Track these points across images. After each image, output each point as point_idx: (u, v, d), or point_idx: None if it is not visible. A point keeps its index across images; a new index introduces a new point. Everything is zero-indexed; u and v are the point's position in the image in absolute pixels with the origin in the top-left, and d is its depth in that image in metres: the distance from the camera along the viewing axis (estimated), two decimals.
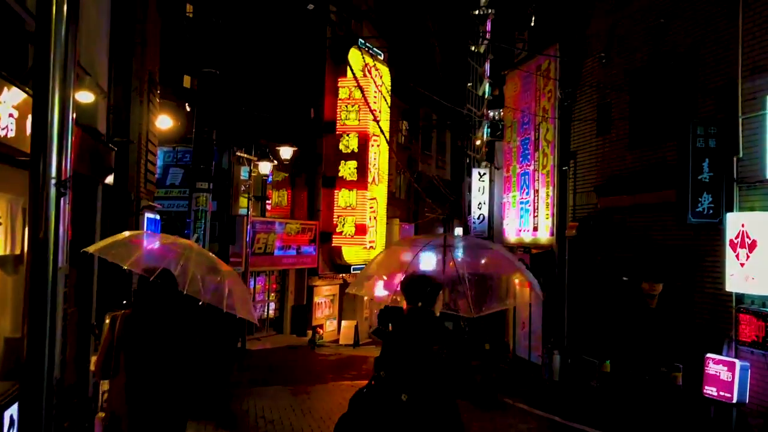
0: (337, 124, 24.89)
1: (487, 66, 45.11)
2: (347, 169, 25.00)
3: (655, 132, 10.78)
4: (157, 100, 12.39)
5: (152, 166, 11.89)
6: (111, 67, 9.26)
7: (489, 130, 23.05)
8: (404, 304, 3.93)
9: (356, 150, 24.88)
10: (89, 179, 7.24)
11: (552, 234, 13.68)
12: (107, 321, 5.83)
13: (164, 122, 13.73)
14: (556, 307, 13.46)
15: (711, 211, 8.73)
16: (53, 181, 3.01)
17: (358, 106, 24.83)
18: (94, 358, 6.21)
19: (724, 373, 8.02)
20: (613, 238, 11.64)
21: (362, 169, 25.03)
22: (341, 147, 24.93)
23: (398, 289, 4.11)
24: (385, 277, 4.57)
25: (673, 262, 10.02)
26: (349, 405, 3.81)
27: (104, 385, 6.12)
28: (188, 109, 12.02)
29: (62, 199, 3.06)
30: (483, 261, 4.43)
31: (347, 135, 24.88)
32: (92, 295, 7.70)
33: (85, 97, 5.83)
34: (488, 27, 47.21)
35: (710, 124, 8.81)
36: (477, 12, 46.11)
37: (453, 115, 36.85)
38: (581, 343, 12.66)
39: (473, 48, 49.76)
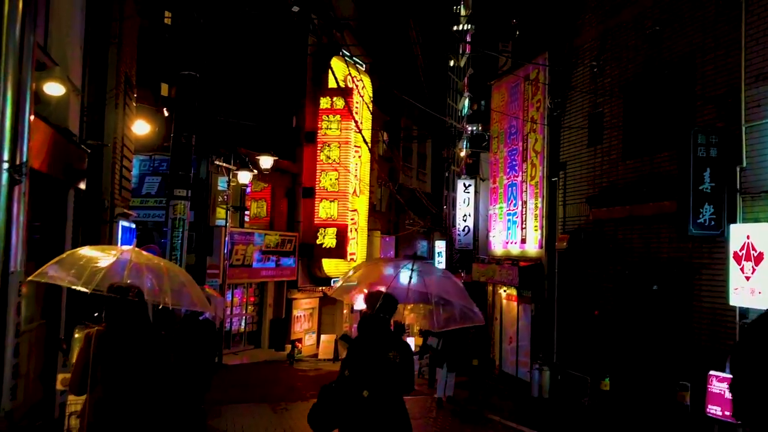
0: (318, 134, 24.45)
1: (467, 80, 45.13)
2: (328, 180, 24.55)
3: (650, 141, 10.52)
4: (134, 104, 11.89)
5: (128, 173, 11.36)
6: (85, 64, 8.76)
7: (468, 143, 22.82)
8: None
9: (337, 161, 24.45)
10: (60, 183, 6.72)
11: (541, 246, 13.35)
12: (76, 335, 5.36)
13: (141, 127, 13.18)
14: (545, 322, 13.11)
15: (713, 223, 8.44)
16: (5, 165, 2.52)
17: (340, 117, 24.44)
18: (61, 376, 5.67)
19: (729, 392, 7.66)
20: (605, 251, 11.33)
21: (343, 180, 24.59)
22: (322, 157, 24.49)
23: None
24: (365, 290, 4.96)
25: (669, 276, 9.72)
26: (318, 397, 4.49)
27: (72, 406, 5.61)
28: (166, 114, 11.51)
29: (17, 188, 2.57)
30: (445, 286, 5.08)
31: (328, 145, 24.45)
32: (61, 307, 7.15)
33: (54, 89, 5.35)
34: (468, 40, 47.35)
35: (711, 132, 8.54)
36: (457, 28, 46.18)
37: (434, 127, 36.69)
38: (571, 359, 12.31)
39: (452, 63, 49.82)
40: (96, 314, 6.37)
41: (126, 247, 4.71)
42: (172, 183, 10.54)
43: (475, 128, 25.38)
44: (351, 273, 5.44)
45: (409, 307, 5.48)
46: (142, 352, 4.28)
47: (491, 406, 12.79)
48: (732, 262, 7.94)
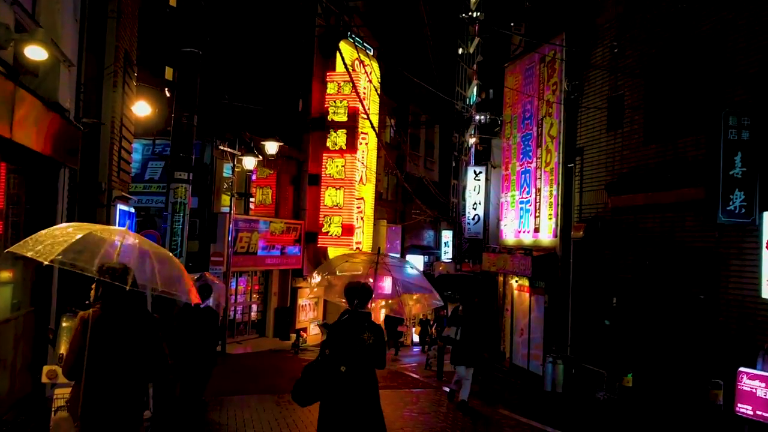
0: (325, 120, 23.96)
1: (476, 67, 44.41)
2: (335, 167, 24.09)
3: (675, 125, 10.00)
4: (134, 84, 11.42)
5: (127, 155, 10.91)
6: (82, 39, 8.31)
7: (477, 129, 22.25)
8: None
9: (344, 147, 23.97)
10: (50, 161, 6.28)
11: (555, 235, 12.87)
12: (64, 324, 4.97)
13: (142, 109, 12.72)
14: (559, 314, 12.64)
15: (743, 210, 7.94)
16: None
17: (347, 102, 23.94)
18: (47, 368, 5.25)
19: (761, 390, 7.21)
20: (624, 240, 10.84)
21: (350, 168, 24.12)
22: (329, 144, 24.01)
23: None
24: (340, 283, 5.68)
25: (694, 266, 9.24)
26: (302, 373, 5.10)
27: (58, 401, 5.18)
28: (168, 95, 11.05)
29: None
30: (413, 279, 6.22)
31: (335, 131, 23.96)
32: (51, 293, 6.73)
33: (36, 53, 4.89)
34: (476, 30, 46.61)
35: (744, 113, 8.03)
36: (467, 15, 45.42)
37: (443, 115, 36.15)
38: (587, 352, 11.85)
39: (460, 50, 49.07)
40: (87, 302, 5.93)
41: (116, 228, 4.28)
42: (173, 165, 10.11)
43: (483, 117, 24.79)
44: (322, 272, 6.32)
45: (414, 297, 6.66)
46: (139, 337, 4.07)
47: (502, 400, 12.36)
48: (765, 252, 7.46)
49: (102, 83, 9.24)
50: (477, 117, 33.06)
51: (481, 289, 12.60)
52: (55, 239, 3.82)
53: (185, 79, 10.13)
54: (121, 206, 10.02)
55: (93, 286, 4.14)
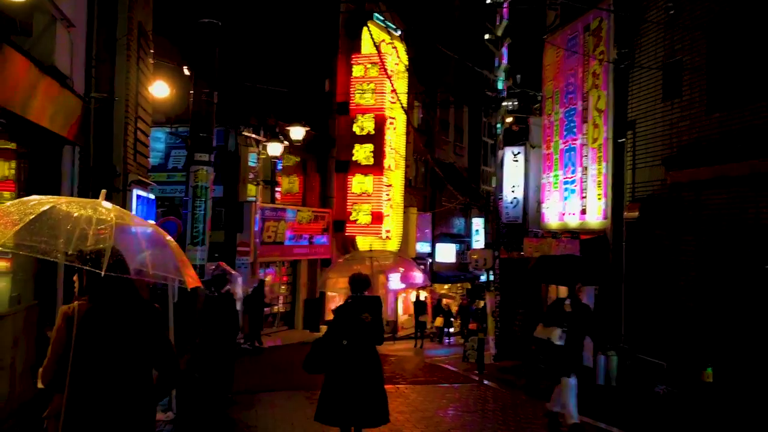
0: (351, 104, 23.12)
1: (505, 50, 43.33)
2: (362, 153, 23.26)
3: (743, 90, 8.99)
4: (150, 61, 10.69)
5: (144, 137, 10.19)
6: (92, 6, 7.58)
7: (513, 107, 21.15)
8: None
9: (372, 132, 23.12)
10: (49, 135, 5.52)
11: (605, 217, 11.90)
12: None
13: (161, 89, 12.06)
14: (611, 301, 11.69)
15: None
16: None
17: (374, 85, 23.07)
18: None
19: None
20: (686, 219, 9.86)
21: (378, 153, 23.27)
22: (356, 129, 23.18)
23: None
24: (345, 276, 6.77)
25: None
26: (311, 346, 6.09)
27: None
28: (188, 73, 10.31)
29: None
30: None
31: (362, 116, 23.12)
32: (56, 285, 5.99)
33: None
34: (505, 12, 45.41)
35: None
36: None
37: (471, 97, 35.07)
38: (643, 343, 10.90)
39: (486, 36, 47.94)
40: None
41: (86, 200, 3.44)
42: (193, 146, 9.35)
43: (510, 104, 23.71)
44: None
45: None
46: (139, 334, 3.30)
47: (547, 392, 11.50)
48: None
49: (114, 58, 8.50)
50: (504, 103, 31.99)
51: (594, 272, 10.11)
52: (9, 216, 3.00)
53: (204, 53, 9.36)
54: (138, 191, 9.31)
55: (75, 275, 3.37)
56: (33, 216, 3.08)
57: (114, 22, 8.35)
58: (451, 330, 26.47)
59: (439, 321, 26.18)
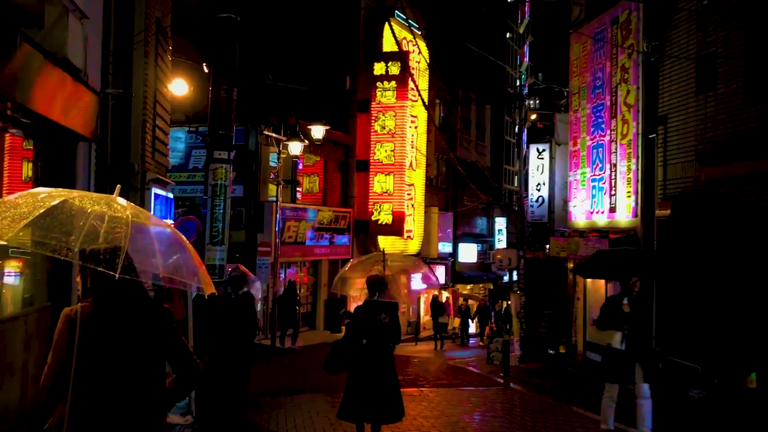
0: (372, 102, 22.89)
1: (526, 49, 42.89)
2: (383, 152, 23.03)
3: None
4: (169, 58, 10.53)
5: (163, 135, 10.03)
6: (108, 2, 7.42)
7: (537, 103, 20.81)
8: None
9: (393, 130, 22.88)
10: (61, 129, 5.33)
11: (635, 215, 11.52)
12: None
13: (180, 87, 11.93)
14: (642, 302, 11.27)
15: None
16: None
17: (395, 83, 22.81)
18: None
19: None
20: (722, 217, 9.47)
21: (400, 152, 23.02)
22: (377, 127, 22.95)
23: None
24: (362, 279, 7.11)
25: None
26: (331, 347, 6.47)
27: None
28: (207, 70, 10.16)
29: None
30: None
31: (383, 114, 22.88)
32: (71, 286, 5.81)
33: None
34: (526, 9, 44.99)
35: None
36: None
37: (493, 95, 34.68)
38: (676, 345, 10.51)
39: (507, 35, 47.51)
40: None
41: (99, 195, 3.21)
42: (211, 144, 9.15)
43: (532, 102, 23.41)
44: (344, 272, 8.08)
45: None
46: (149, 338, 3.09)
47: (578, 397, 11.15)
48: None
49: (132, 53, 8.33)
50: (528, 101, 31.60)
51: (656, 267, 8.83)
52: (17, 209, 2.78)
53: (222, 47, 9.17)
54: (156, 190, 9.14)
55: (78, 275, 3.16)
56: (43, 210, 2.89)
57: (131, 17, 8.18)
58: (471, 331, 26.14)
59: (456, 322, 25.95)
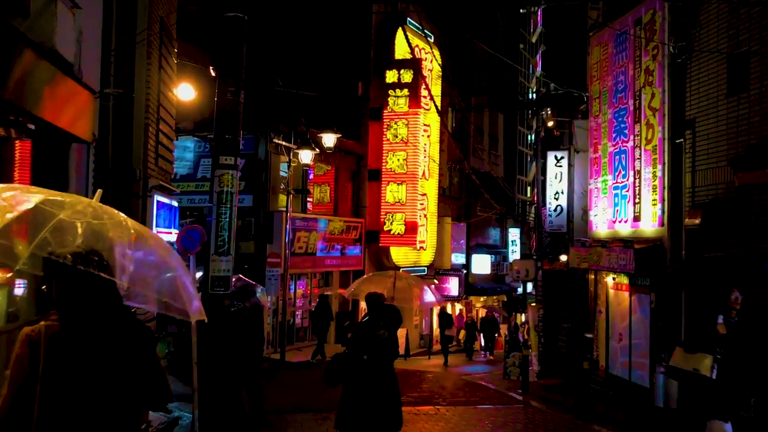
0: (384, 110, 22.45)
1: (539, 58, 42.55)
2: (396, 161, 22.56)
3: None
4: (175, 61, 10.13)
5: (167, 140, 9.61)
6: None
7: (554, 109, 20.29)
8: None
9: (406, 139, 22.42)
10: (49, 127, 4.90)
11: (661, 224, 10.98)
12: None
13: (186, 92, 11.49)
14: (669, 315, 10.75)
15: None
16: None
17: (408, 91, 22.38)
18: None
19: None
20: (758, 225, 8.93)
21: (412, 161, 22.55)
22: (389, 136, 22.51)
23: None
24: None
25: None
26: (331, 360, 6.42)
27: None
28: (214, 74, 9.73)
29: None
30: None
31: (396, 122, 22.44)
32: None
33: None
34: (539, 20, 44.74)
35: None
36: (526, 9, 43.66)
37: (506, 104, 34.22)
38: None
39: (521, 45, 47.20)
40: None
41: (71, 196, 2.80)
42: (217, 149, 8.66)
43: (543, 113, 22.84)
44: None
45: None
46: (123, 361, 2.66)
47: (600, 415, 10.61)
48: None
49: (134, 53, 7.93)
50: (542, 112, 31.11)
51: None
52: None
53: (229, 48, 8.73)
54: (160, 197, 8.71)
55: (43, 288, 2.72)
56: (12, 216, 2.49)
57: (133, 13, 7.80)
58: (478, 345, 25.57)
59: (461, 335, 25.45)
